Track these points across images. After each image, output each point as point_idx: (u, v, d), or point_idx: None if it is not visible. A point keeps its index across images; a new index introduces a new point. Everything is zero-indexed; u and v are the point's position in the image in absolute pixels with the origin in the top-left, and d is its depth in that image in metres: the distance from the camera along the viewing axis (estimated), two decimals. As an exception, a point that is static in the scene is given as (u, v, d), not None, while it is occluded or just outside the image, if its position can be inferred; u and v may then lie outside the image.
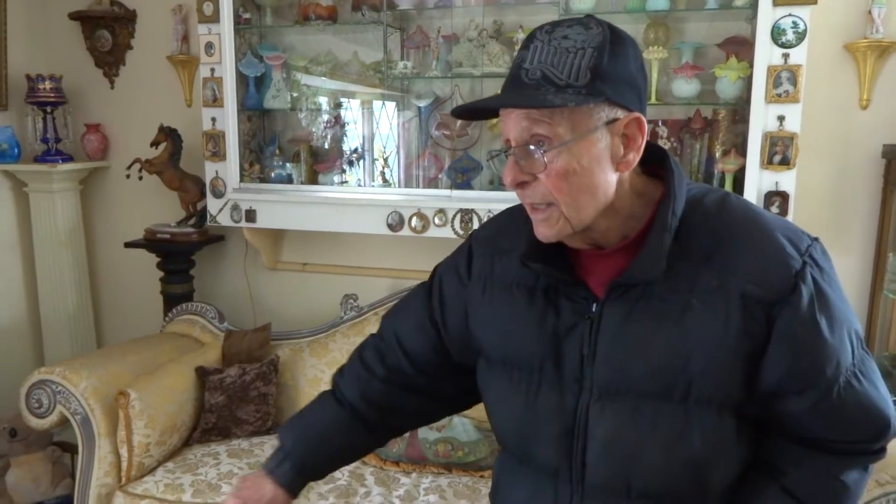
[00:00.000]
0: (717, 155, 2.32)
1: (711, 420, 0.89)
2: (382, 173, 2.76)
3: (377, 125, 2.79)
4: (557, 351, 0.97)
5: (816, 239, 0.94)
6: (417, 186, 2.63)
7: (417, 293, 1.20)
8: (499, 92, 0.96)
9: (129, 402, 2.17)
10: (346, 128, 2.80)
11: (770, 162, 2.19)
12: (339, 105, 2.79)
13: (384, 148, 2.81)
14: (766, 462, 0.96)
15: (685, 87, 2.30)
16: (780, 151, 2.18)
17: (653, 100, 2.33)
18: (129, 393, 2.18)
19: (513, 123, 0.89)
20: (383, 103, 2.76)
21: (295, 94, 2.76)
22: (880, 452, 0.94)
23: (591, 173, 0.88)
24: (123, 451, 2.19)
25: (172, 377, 2.39)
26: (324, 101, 2.80)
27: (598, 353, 0.94)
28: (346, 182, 2.74)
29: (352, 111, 2.82)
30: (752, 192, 2.20)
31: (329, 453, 1.15)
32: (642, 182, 0.95)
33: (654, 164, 0.96)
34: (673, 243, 0.90)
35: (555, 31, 0.88)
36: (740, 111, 2.28)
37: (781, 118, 2.16)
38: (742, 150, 2.23)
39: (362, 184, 2.75)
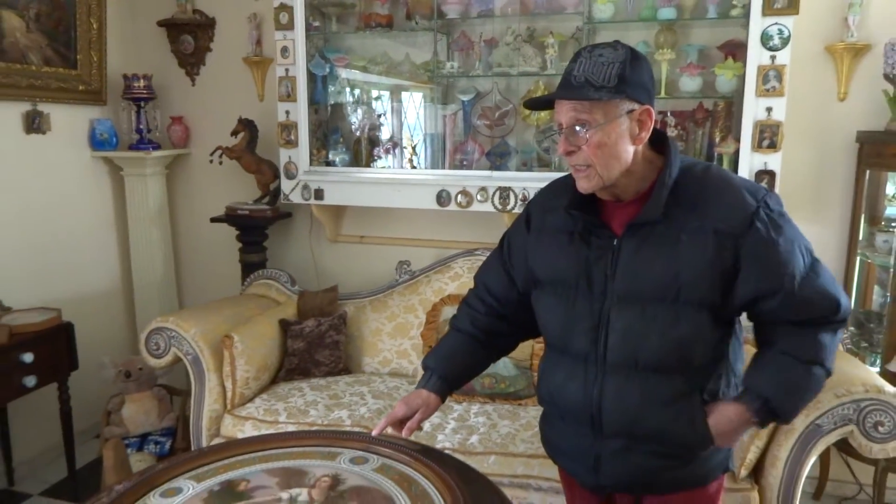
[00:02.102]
0: (717, 140, 2.76)
1: (693, 314, 1.36)
2: (411, 160, 3.24)
3: (421, 116, 3.26)
4: (588, 273, 1.44)
5: (770, 191, 1.40)
6: (462, 168, 3.10)
7: (493, 254, 1.70)
8: (547, 91, 1.46)
9: (233, 344, 2.67)
10: (397, 118, 3.27)
11: (760, 146, 2.63)
12: (392, 99, 3.26)
13: (412, 137, 3.29)
14: (766, 342, 1.44)
15: (690, 83, 2.75)
16: (768, 137, 2.62)
17: (662, 94, 2.77)
18: (233, 336, 2.68)
19: (564, 112, 1.36)
20: (431, 98, 3.23)
21: (355, 90, 3.23)
22: (842, 322, 1.40)
23: (616, 146, 1.35)
24: (228, 384, 2.69)
25: (262, 326, 2.88)
26: (379, 96, 3.27)
27: (617, 273, 1.41)
28: (401, 165, 3.21)
29: (403, 105, 3.29)
30: (745, 171, 2.65)
31: (460, 366, 1.64)
32: (650, 154, 1.42)
33: (659, 143, 1.43)
34: (670, 196, 1.37)
35: (594, 50, 1.35)
36: (735, 103, 2.71)
37: (769, 109, 2.60)
38: (737, 136, 2.67)
39: (414, 166, 3.22)
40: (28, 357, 2.69)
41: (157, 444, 3.01)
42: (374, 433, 1.62)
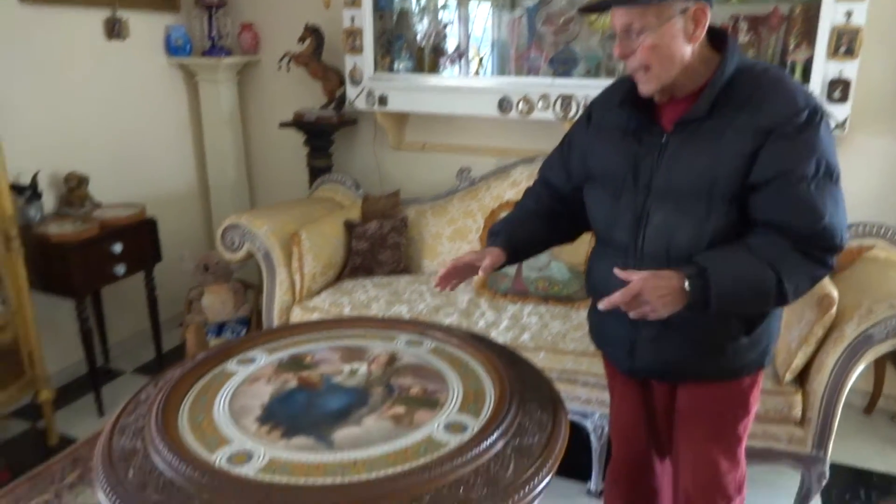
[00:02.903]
0: (791, 47, 2.66)
1: (724, 209, 1.39)
2: (477, 71, 3.24)
3: (490, 24, 3.23)
4: (635, 168, 1.49)
5: (823, 108, 1.38)
6: (524, 75, 3.09)
7: (556, 150, 1.76)
8: None
9: (300, 241, 2.83)
10: (463, 27, 3.26)
11: (836, 53, 2.52)
12: (458, 6, 3.24)
13: (479, 48, 3.27)
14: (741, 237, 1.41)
15: (765, -15, 2.63)
16: (845, 43, 2.50)
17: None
18: (301, 233, 2.84)
19: (618, 16, 1.38)
20: (495, 3, 3.19)
21: (420, -4, 3.23)
22: (820, 249, 1.33)
23: (671, 46, 1.36)
24: (297, 278, 2.87)
25: (328, 226, 3.04)
26: (446, 3, 3.25)
27: (661, 168, 1.45)
28: (463, 73, 3.23)
29: (468, 11, 3.26)
30: (818, 81, 2.56)
31: (525, 234, 1.68)
32: (708, 53, 1.43)
33: (719, 41, 1.43)
34: (722, 94, 1.39)
35: None
36: (813, 8, 2.59)
37: (849, 13, 2.48)
38: (812, 43, 2.56)
39: (478, 73, 3.23)
40: (117, 247, 2.94)
41: (233, 332, 3.26)
42: (440, 274, 1.61)
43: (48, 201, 3.01)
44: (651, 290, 1.31)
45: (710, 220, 1.40)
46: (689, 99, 1.44)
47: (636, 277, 1.33)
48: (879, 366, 2.91)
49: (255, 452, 1.32)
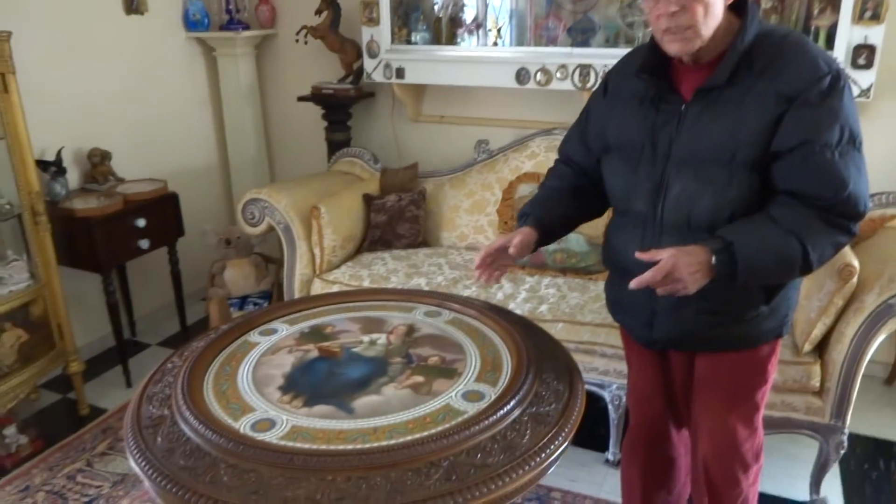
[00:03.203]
0: (815, 12, 2.60)
1: (745, 176, 1.38)
2: (495, 42, 3.20)
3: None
4: (654, 137, 1.48)
5: (845, 73, 1.36)
6: (542, 45, 3.06)
7: (574, 125, 1.75)
8: None
9: (320, 214, 2.85)
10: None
11: (861, 18, 2.46)
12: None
13: (497, 19, 3.23)
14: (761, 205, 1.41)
15: (789, -52, 2.57)
16: (871, 7, 2.45)
17: (758, -38, 2.61)
18: (320, 207, 2.86)
19: None
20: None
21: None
22: (843, 217, 1.33)
23: (717, 4, 1.35)
24: (317, 251, 2.90)
25: (347, 199, 3.06)
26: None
27: (680, 136, 1.44)
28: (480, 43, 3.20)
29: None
30: (842, 46, 2.51)
31: (554, 212, 1.68)
32: (730, 18, 1.41)
33: (739, 6, 1.42)
34: (742, 61, 1.37)
35: None
36: (838, -30, 2.53)
37: (876, -24, 2.42)
38: (836, 8, 2.51)
39: (496, 44, 3.20)
40: (141, 222, 2.99)
41: (255, 306, 3.32)
42: (476, 265, 1.61)
43: (72, 177, 3.06)
44: (684, 267, 1.32)
45: (731, 188, 1.39)
46: (708, 66, 1.42)
47: (665, 255, 1.33)
48: (902, 336, 2.89)
49: (278, 420, 1.36)
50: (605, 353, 2.39)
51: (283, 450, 1.25)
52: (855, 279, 2.07)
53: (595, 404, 2.50)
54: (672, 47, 1.40)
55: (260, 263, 3.38)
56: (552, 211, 1.68)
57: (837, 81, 1.33)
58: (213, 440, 1.28)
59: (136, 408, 1.45)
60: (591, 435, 2.60)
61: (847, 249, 2.18)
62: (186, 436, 1.32)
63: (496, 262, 1.63)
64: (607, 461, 2.51)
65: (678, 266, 1.31)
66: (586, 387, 2.32)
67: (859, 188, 1.34)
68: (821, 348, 2.19)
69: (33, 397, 2.90)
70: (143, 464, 1.27)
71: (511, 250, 1.58)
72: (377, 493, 1.16)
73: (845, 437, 2.16)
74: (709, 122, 1.40)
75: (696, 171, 1.42)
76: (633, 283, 1.35)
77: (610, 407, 2.46)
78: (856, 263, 2.08)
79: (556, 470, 2.35)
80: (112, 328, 3.02)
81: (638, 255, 1.38)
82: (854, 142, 1.35)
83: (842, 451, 2.18)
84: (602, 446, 2.55)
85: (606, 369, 2.41)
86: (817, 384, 2.15)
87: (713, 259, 1.33)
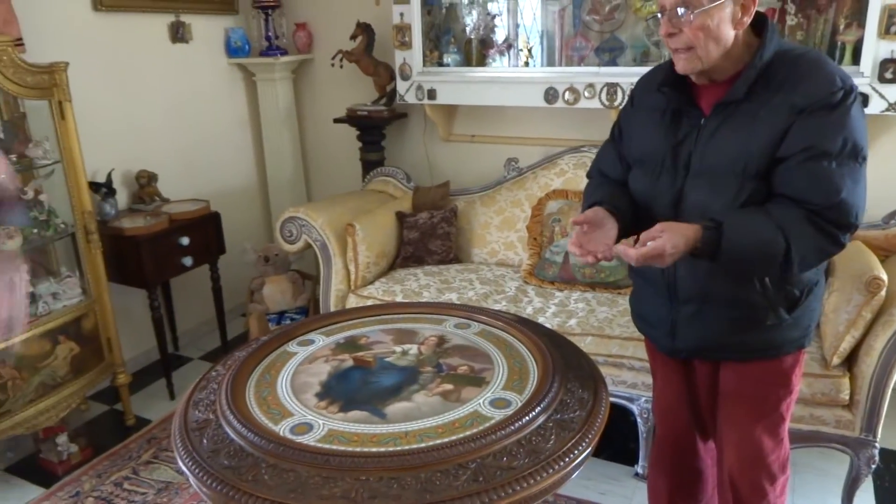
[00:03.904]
0: (841, 28, 2.63)
1: (755, 184, 1.43)
2: (526, 62, 3.29)
3: (537, 15, 3.28)
4: (675, 150, 1.54)
5: (859, 91, 1.40)
6: (570, 65, 3.13)
7: (606, 145, 1.80)
8: None
9: (355, 231, 2.95)
10: (511, 18, 3.32)
11: (887, 32, 2.48)
12: (502, -2, 3.31)
13: (528, 38, 3.32)
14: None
15: (814, -33, 2.61)
16: (897, 23, 2.47)
17: (783, -20, 2.66)
18: (355, 225, 2.96)
19: None
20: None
21: (467, -10, 3.30)
22: (834, 225, 1.36)
23: (719, 29, 1.41)
24: (352, 267, 3.00)
25: (381, 217, 3.15)
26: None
27: (698, 150, 1.49)
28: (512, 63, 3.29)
29: (518, 4, 3.31)
30: (869, 61, 2.52)
31: (622, 204, 1.61)
32: (750, 37, 1.47)
33: (760, 26, 1.47)
34: (760, 77, 1.43)
35: None
36: (864, -13, 2.55)
37: (901, -9, 2.44)
38: (862, 22, 2.53)
39: (525, 64, 3.28)
40: (185, 240, 3.12)
41: (292, 321, 3.42)
42: (572, 243, 1.52)
43: (121, 198, 3.22)
44: (670, 246, 1.35)
45: (740, 197, 1.44)
46: (729, 82, 1.48)
47: (661, 238, 1.35)
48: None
49: (315, 424, 1.44)
50: (634, 366, 2.42)
51: (320, 451, 1.33)
52: (883, 292, 2.08)
53: (625, 418, 2.53)
54: (678, 66, 1.47)
55: (297, 280, 3.49)
56: (621, 202, 1.63)
57: (849, 96, 1.37)
58: (255, 442, 1.36)
59: (184, 413, 1.54)
60: (622, 449, 2.63)
61: (876, 262, 2.20)
62: (230, 438, 1.41)
63: (592, 234, 1.53)
64: (637, 475, 2.53)
65: (667, 244, 1.35)
66: (615, 400, 2.38)
67: (853, 198, 1.37)
68: (850, 361, 2.19)
69: (83, 408, 3.05)
70: (190, 464, 1.36)
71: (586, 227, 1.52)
72: (408, 492, 1.23)
73: (876, 451, 2.16)
74: (725, 136, 1.46)
75: (710, 183, 1.48)
76: (634, 259, 1.36)
77: (639, 420, 2.48)
78: (884, 276, 2.09)
79: (587, 483, 2.40)
80: (157, 342, 3.16)
81: (642, 235, 1.39)
82: (856, 156, 1.38)
83: (873, 466, 2.17)
84: (632, 460, 2.57)
85: (635, 382, 2.44)
86: (847, 397, 2.16)
87: (699, 239, 1.37)
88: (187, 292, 3.62)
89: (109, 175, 3.07)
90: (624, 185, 1.70)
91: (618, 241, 1.55)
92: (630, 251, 1.37)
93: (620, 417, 2.66)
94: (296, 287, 3.48)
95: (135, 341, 3.33)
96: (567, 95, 3.06)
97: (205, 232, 3.26)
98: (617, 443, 2.66)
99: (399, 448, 1.34)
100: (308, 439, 1.39)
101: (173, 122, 3.51)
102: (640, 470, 2.53)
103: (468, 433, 1.37)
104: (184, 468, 1.38)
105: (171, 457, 2.73)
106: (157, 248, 3.02)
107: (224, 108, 3.83)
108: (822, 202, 1.36)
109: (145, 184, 3.27)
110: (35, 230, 2.60)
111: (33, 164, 2.57)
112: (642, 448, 2.52)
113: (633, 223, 1.61)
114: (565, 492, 2.45)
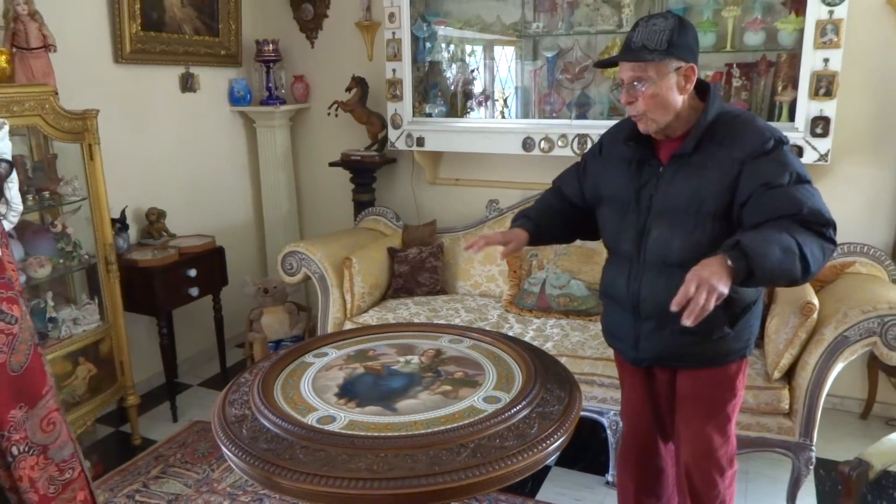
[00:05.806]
0: (779, 90, 3.04)
1: (710, 223, 1.75)
2: (502, 112, 3.67)
3: (513, 71, 3.67)
4: (638, 194, 1.87)
5: (787, 139, 1.75)
6: (545, 117, 3.50)
7: (571, 167, 2.14)
8: (613, 53, 1.84)
9: (352, 264, 3.25)
10: (489, 73, 3.71)
11: (816, 94, 2.89)
12: (484, 56, 3.69)
13: (503, 90, 3.71)
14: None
15: (753, 37, 3.03)
16: (824, 86, 2.87)
17: (728, 48, 3.07)
18: (352, 258, 3.26)
19: (626, 70, 1.76)
20: (519, 55, 3.63)
21: (452, 49, 3.68)
22: (815, 224, 1.58)
23: (667, 96, 1.74)
24: (348, 297, 3.28)
25: (373, 252, 3.46)
26: (473, 51, 3.71)
27: (658, 193, 1.83)
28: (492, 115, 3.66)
29: (493, 61, 3.71)
30: (802, 118, 2.92)
31: (548, 225, 2.03)
32: (696, 101, 1.81)
33: (704, 91, 1.82)
34: (706, 134, 1.76)
35: (649, 20, 1.74)
36: (796, 55, 2.96)
37: (826, 60, 2.85)
38: (796, 85, 2.94)
39: (505, 116, 3.66)
40: (192, 272, 3.38)
41: (288, 348, 3.67)
42: (466, 246, 2.00)
43: (131, 233, 3.47)
44: (707, 276, 1.50)
45: (696, 233, 1.75)
46: (682, 137, 1.81)
47: (687, 277, 1.53)
48: (873, 375, 3.22)
49: (338, 416, 1.72)
50: (604, 382, 2.73)
51: (345, 435, 1.61)
52: (815, 315, 2.43)
53: (596, 436, 2.82)
54: (640, 127, 1.81)
55: (293, 310, 3.75)
56: (548, 223, 2.03)
57: (779, 144, 1.71)
58: (289, 429, 1.63)
59: (221, 410, 1.80)
60: (594, 462, 2.92)
61: (809, 289, 2.55)
62: (266, 427, 1.67)
63: (486, 246, 1.98)
64: (607, 483, 2.81)
65: (701, 276, 1.50)
66: (587, 414, 2.68)
67: (817, 204, 1.62)
68: (789, 375, 2.53)
69: (90, 430, 3.24)
70: (234, 449, 1.62)
71: (499, 257, 2.03)
72: (420, 465, 1.51)
73: (813, 454, 2.48)
74: (680, 182, 1.78)
75: (669, 221, 1.80)
76: (673, 304, 1.53)
77: (608, 432, 2.77)
78: (816, 301, 2.44)
79: (563, 492, 2.69)
80: (163, 367, 3.38)
81: (673, 303, 1.54)
82: (803, 181, 1.67)
83: (811, 466, 2.49)
84: (603, 471, 2.85)
85: (605, 397, 2.74)
86: (787, 407, 2.48)
87: (728, 260, 1.52)
88: (189, 322, 3.85)
89: (123, 211, 3.34)
90: (564, 200, 2.09)
91: (530, 244, 2.02)
92: (679, 292, 1.53)
93: (592, 434, 2.97)
94: (292, 317, 3.74)
95: (140, 367, 3.54)
96: (543, 144, 3.42)
97: (210, 265, 3.53)
98: (589, 456, 2.95)
99: (410, 432, 1.62)
100: (333, 427, 1.66)
101: (181, 164, 3.80)
102: (609, 478, 2.81)
103: (467, 421, 1.65)
104: (228, 454, 1.64)
105: (178, 472, 2.95)
106: (168, 278, 3.27)
107: (226, 152, 4.13)
108: (796, 213, 1.59)
109: (154, 220, 3.54)
110: (61, 260, 2.85)
111: (63, 200, 2.84)
112: (612, 458, 2.80)
113: (562, 231, 2.08)
114: (544, 498, 2.72)
